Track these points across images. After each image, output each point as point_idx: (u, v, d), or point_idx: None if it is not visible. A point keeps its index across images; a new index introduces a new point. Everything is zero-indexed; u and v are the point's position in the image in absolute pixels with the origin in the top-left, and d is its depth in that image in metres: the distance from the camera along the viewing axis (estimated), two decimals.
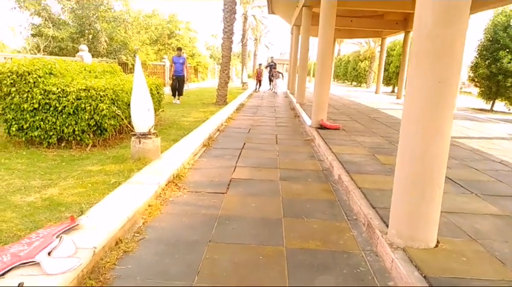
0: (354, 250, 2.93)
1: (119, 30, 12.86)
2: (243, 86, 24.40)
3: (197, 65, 27.31)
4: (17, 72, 5.32)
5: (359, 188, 4.02)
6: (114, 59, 12.54)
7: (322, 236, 3.14)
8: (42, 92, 5.34)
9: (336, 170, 4.83)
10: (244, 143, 6.71)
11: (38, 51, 11.43)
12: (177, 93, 12.71)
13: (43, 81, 5.41)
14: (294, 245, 2.94)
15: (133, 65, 13.36)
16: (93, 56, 10.77)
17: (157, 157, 4.92)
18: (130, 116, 5.85)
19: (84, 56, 9.28)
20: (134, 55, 13.30)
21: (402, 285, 2.39)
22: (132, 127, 5.03)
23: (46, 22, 12.14)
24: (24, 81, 5.32)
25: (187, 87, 15.86)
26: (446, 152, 2.61)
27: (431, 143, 2.55)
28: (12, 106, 5.35)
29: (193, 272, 2.51)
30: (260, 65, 24.65)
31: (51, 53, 11.72)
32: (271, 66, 22.90)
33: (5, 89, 5.31)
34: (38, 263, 2.20)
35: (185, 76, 12.93)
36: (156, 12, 17.77)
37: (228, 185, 4.36)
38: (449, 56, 2.43)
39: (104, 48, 12.51)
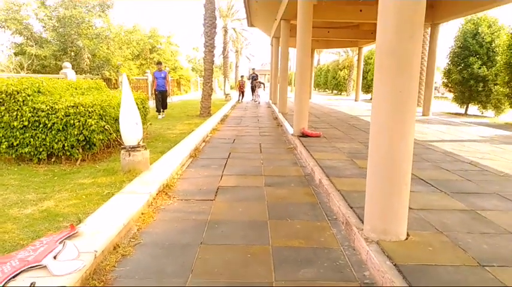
0: (334, 246, 3.21)
1: (101, 46, 13.04)
2: (226, 97, 24.73)
3: (180, 78, 27.52)
4: (6, 92, 5.49)
5: (338, 191, 4.32)
6: (98, 75, 12.67)
7: (305, 235, 3.41)
8: (32, 109, 5.52)
9: (317, 175, 5.13)
10: (230, 153, 6.97)
11: (22, 70, 11.51)
12: (161, 107, 12.77)
13: (32, 99, 5.59)
14: (279, 244, 3.20)
15: (116, 80, 13.54)
16: (76, 72, 10.90)
17: (147, 169, 5.14)
18: (118, 131, 6.07)
19: (68, 73, 9.42)
20: (117, 71, 13.47)
21: (376, 273, 2.67)
22: (121, 141, 5.24)
23: (28, 41, 12.25)
24: (13, 100, 5.49)
25: (171, 100, 16.03)
26: (411, 153, 2.93)
27: (396, 146, 2.86)
28: (2, 124, 5.50)
29: (187, 270, 2.74)
30: (242, 76, 25.06)
31: (34, 71, 11.80)
32: (253, 78, 23.34)
33: None
34: (45, 267, 2.41)
35: (168, 91, 13.00)
36: (137, 28, 18.00)
37: (216, 192, 4.60)
38: (408, 68, 2.76)
39: (87, 65, 12.64)
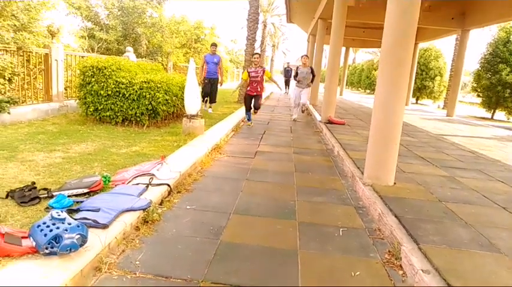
0: (341, 189, 4.47)
1: (156, 34, 14.66)
2: None
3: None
4: (97, 67, 7.01)
5: (350, 158, 5.55)
6: (151, 59, 14.32)
7: (321, 182, 4.69)
8: (115, 82, 7.01)
9: (336, 149, 6.36)
10: (265, 131, 8.29)
11: (93, 51, 13.29)
12: (209, 99, 10.69)
13: (115, 74, 7.09)
14: (301, 184, 4.50)
15: (166, 65, 15.14)
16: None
17: (202, 133, 6.54)
18: (176, 105, 7.52)
19: (130, 56, 10.96)
20: (167, 57, 15.07)
21: (366, 201, 3.91)
22: (183, 110, 6.64)
23: (96, 26, 14.06)
24: (101, 74, 7.01)
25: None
26: (400, 124, 4.14)
27: (389, 119, 4.08)
28: (92, 92, 7.03)
29: (238, 190, 4.08)
30: (256, 55, 8.99)
31: (101, 53, 13.54)
32: (288, 71, 24.52)
33: (87, 79, 7.01)
34: (153, 174, 3.81)
35: (220, 79, 10.58)
36: (184, 19, 19.59)
37: (255, 154, 5.94)
38: (401, 64, 3.97)
39: (143, 50, 14.32)
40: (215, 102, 11.03)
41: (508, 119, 17.78)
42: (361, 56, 54.08)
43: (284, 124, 9.69)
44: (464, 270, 2.41)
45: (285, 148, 6.62)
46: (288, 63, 26.54)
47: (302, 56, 10.46)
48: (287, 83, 24.65)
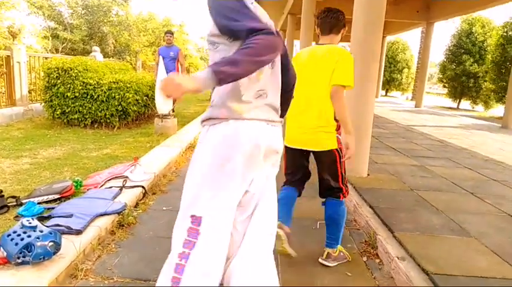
0: (315, 182, 4.51)
1: (123, 33, 14.34)
2: None
3: (189, 66, 28.80)
4: (62, 68, 6.79)
5: None
6: (119, 59, 14.00)
7: None
8: (82, 83, 6.81)
9: None
10: None
11: (57, 52, 12.85)
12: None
13: (82, 75, 6.88)
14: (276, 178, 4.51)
15: (135, 64, 14.84)
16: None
17: (175, 133, 6.46)
18: (147, 105, 7.39)
19: (97, 56, 10.65)
20: (136, 56, 14.78)
21: None
22: (153, 112, 6.53)
23: (59, 26, 13.61)
24: (67, 75, 6.79)
25: None
26: (371, 115, 4.22)
27: (361, 109, 4.16)
28: (58, 94, 6.80)
29: None
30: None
31: (66, 54, 13.13)
32: None
33: (52, 81, 6.77)
34: (126, 176, 3.73)
35: None
36: (152, 17, 19.28)
37: None
38: (370, 55, 4.04)
39: (111, 50, 13.97)
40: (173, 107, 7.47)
41: (473, 108, 18.49)
42: None
43: None
44: (437, 255, 2.49)
45: None
46: None
47: None
48: None
